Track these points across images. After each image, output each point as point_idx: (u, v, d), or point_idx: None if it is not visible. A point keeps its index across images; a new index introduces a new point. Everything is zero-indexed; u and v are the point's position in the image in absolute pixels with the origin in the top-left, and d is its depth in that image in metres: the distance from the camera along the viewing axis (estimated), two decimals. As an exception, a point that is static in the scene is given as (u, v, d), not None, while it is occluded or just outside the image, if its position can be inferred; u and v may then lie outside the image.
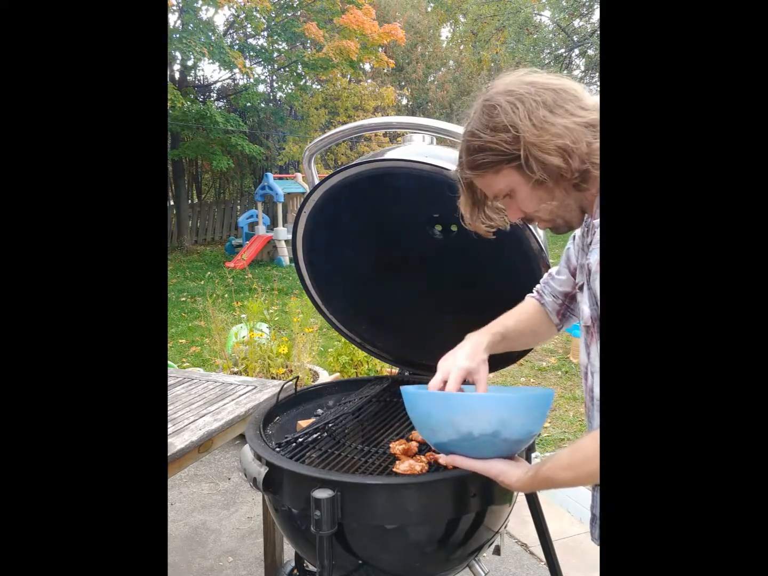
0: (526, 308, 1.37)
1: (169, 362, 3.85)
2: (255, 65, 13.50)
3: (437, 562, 1.30)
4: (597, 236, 0.99)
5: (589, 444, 0.94)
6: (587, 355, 1.12)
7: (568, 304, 1.34)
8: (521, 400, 1.13)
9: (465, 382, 1.24)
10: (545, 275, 1.39)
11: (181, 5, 11.29)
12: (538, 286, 1.39)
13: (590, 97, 1.03)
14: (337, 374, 3.75)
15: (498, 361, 1.76)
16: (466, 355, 1.20)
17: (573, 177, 1.00)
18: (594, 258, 0.98)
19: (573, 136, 0.97)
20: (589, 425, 1.18)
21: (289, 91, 14.27)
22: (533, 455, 1.53)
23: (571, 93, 1.01)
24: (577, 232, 1.20)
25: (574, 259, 1.29)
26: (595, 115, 0.99)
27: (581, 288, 1.13)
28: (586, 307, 1.06)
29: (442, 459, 1.24)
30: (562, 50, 16.62)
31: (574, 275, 1.30)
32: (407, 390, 1.18)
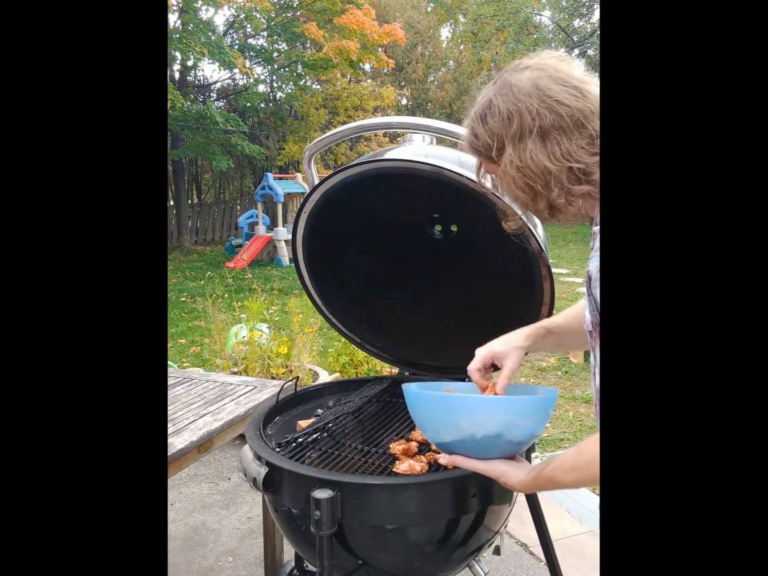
0: (580, 307, 1.34)
1: (169, 362, 3.85)
2: (255, 65, 13.50)
3: (437, 562, 1.30)
4: (597, 243, 0.99)
5: (594, 445, 0.93)
6: (594, 357, 1.11)
7: None
8: (525, 403, 1.12)
9: (494, 368, 1.26)
10: None
11: (181, 5, 11.29)
12: None
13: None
14: (337, 374, 3.75)
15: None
16: (503, 341, 1.23)
17: (538, 209, 1.03)
18: (593, 265, 0.98)
19: (546, 178, 0.97)
20: (598, 423, 1.17)
21: (289, 91, 14.27)
22: (533, 455, 1.53)
23: (578, 115, 0.96)
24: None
25: None
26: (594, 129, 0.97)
27: None
28: (587, 313, 1.05)
29: (443, 459, 1.24)
30: (562, 50, 16.61)
31: None
32: (409, 389, 1.17)
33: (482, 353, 1.23)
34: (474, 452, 1.11)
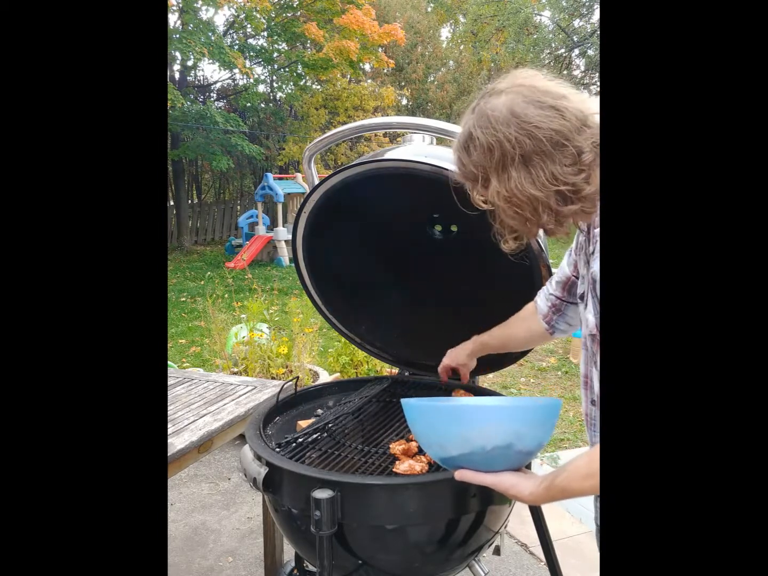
0: (523, 312, 1.45)
1: (169, 362, 3.85)
2: (255, 65, 13.50)
3: (437, 562, 1.30)
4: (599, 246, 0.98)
5: None
6: (594, 363, 1.09)
7: (553, 314, 1.35)
8: (536, 410, 1.09)
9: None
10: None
11: (181, 5, 11.29)
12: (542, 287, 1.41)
13: (590, 119, 0.97)
14: (337, 374, 3.75)
15: (498, 362, 1.76)
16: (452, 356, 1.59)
17: (531, 233, 1.04)
18: (598, 267, 0.97)
19: (534, 205, 0.98)
20: (590, 432, 1.16)
21: (289, 91, 14.27)
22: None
23: (557, 136, 0.95)
24: (580, 236, 1.18)
25: (567, 269, 1.30)
26: (578, 146, 0.96)
27: (582, 297, 1.11)
28: (591, 316, 1.03)
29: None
30: (562, 50, 16.62)
31: (564, 286, 1.31)
32: (409, 402, 1.13)
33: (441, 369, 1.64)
34: (481, 465, 1.08)
